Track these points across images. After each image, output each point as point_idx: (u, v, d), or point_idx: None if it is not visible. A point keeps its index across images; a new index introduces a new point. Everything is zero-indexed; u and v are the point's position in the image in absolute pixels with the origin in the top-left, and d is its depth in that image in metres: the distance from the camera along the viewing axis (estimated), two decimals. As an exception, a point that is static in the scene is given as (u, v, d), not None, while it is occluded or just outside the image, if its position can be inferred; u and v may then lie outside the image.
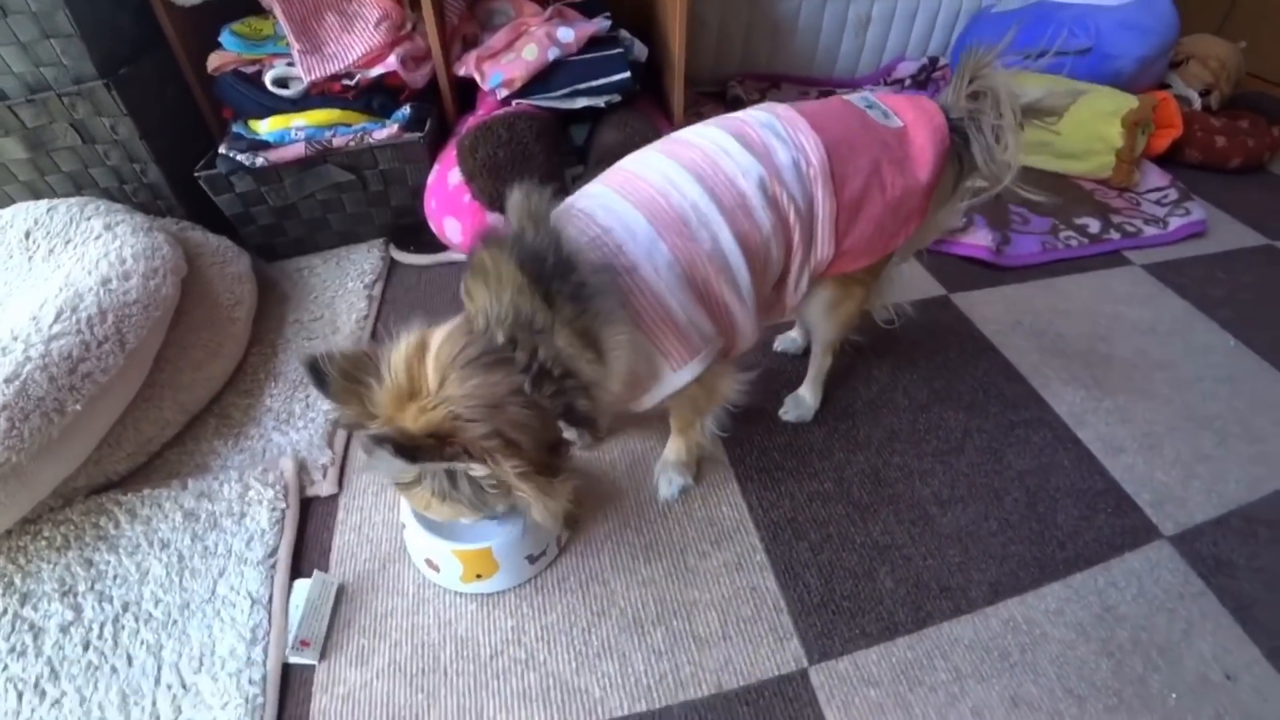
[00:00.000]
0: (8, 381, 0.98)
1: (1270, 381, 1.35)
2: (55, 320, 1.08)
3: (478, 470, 0.68)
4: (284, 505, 1.08)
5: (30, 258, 1.32)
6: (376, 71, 1.57)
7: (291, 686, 0.89)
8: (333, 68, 1.53)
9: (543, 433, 0.75)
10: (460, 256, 1.60)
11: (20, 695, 0.88)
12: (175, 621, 0.95)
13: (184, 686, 0.88)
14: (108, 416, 1.12)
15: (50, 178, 1.47)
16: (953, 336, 1.44)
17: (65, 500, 1.09)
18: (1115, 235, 1.74)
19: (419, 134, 1.56)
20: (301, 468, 1.14)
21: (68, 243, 1.32)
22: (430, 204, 1.57)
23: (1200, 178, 2.02)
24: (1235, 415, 1.27)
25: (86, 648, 0.92)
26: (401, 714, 0.86)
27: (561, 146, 1.60)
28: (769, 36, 2.32)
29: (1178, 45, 2.22)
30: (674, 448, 1.08)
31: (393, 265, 1.68)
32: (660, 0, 1.75)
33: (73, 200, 1.41)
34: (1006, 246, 1.67)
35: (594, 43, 1.64)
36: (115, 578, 1.00)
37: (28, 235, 1.34)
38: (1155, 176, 1.98)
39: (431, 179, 1.57)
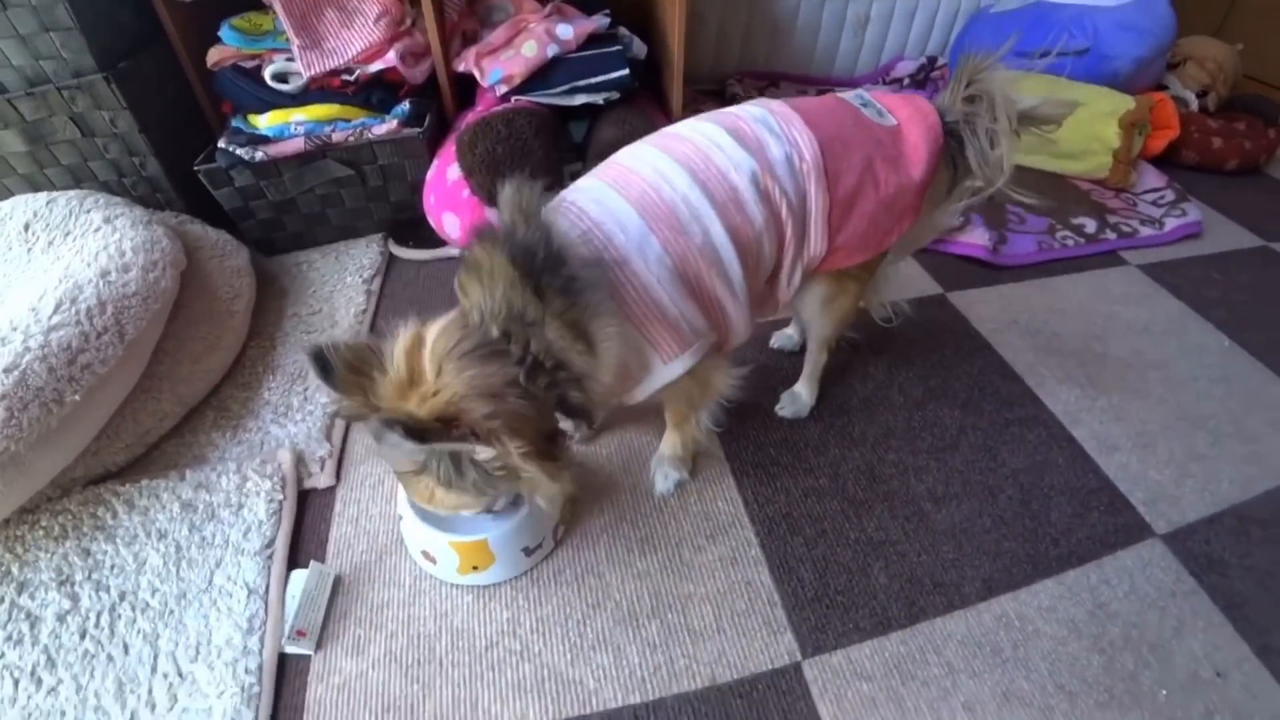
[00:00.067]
0: (7, 371, 0.98)
1: (1264, 382, 1.36)
2: (54, 311, 1.08)
3: (484, 453, 0.69)
4: (281, 497, 1.08)
5: (29, 250, 1.32)
6: (376, 67, 1.58)
7: (287, 676, 0.90)
8: (332, 63, 1.53)
9: (539, 422, 0.76)
10: (458, 252, 1.61)
11: (16, 683, 0.88)
12: (172, 611, 0.95)
13: (180, 675, 0.89)
14: (106, 407, 1.12)
15: (49, 171, 1.47)
16: (949, 335, 1.44)
17: (63, 490, 1.09)
18: (1111, 235, 1.75)
19: (418, 129, 1.57)
20: (299, 460, 1.15)
21: (67, 235, 1.32)
22: (429, 199, 1.57)
23: (1197, 179, 2.03)
24: (1229, 415, 1.27)
25: (83, 636, 0.92)
26: (397, 704, 0.86)
27: (560, 143, 1.60)
28: (768, 35, 2.33)
29: (1175, 47, 2.23)
30: (670, 442, 1.09)
31: (391, 260, 1.69)
32: (659, -2, 1.76)
33: (72, 193, 1.41)
34: (1003, 246, 1.67)
35: (593, 40, 1.64)
36: (112, 567, 1.00)
37: (27, 228, 1.34)
38: (1152, 177, 1.98)
39: (430, 174, 1.58)
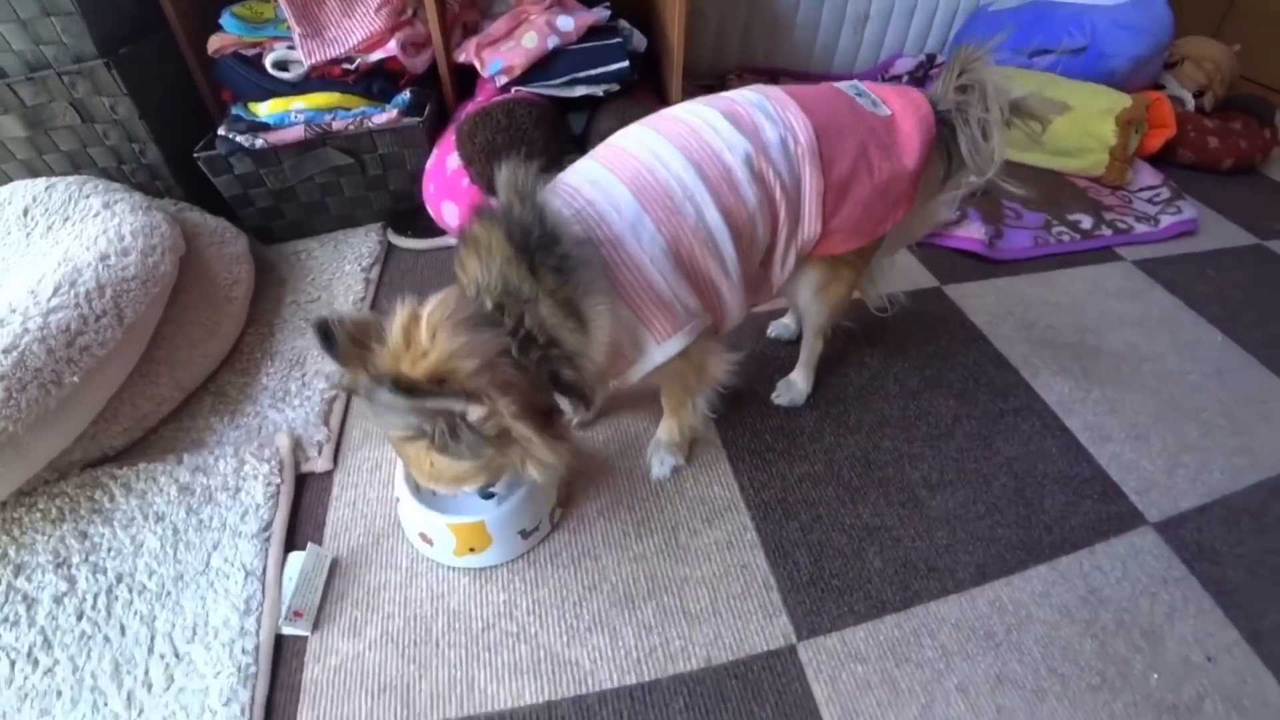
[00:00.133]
0: (5, 352, 0.98)
1: (1256, 376, 1.37)
2: (53, 294, 1.09)
3: (475, 412, 0.69)
4: (279, 480, 1.09)
5: (28, 235, 1.32)
6: (377, 56, 1.58)
7: (284, 656, 0.90)
8: (333, 52, 1.53)
9: (532, 394, 0.76)
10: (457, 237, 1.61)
11: (13, 664, 0.88)
12: (169, 593, 0.96)
13: (177, 656, 0.89)
14: (105, 390, 1.12)
15: (48, 156, 1.47)
16: (944, 326, 1.45)
17: (61, 473, 1.10)
18: (1107, 231, 1.76)
19: (418, 119, 1.57)
20: (297, 444, 1.15)
21: (66, 220, 1.32)
22: (429, 188, 1.57)
23: (1192, 178, 2.04)
24: (1221, 408, 1.28)
25: (80, 618, 0.93)
26: (393, 684, 0.87)
27: (560, 134, 1.61)
28: (767, 31, 2.34)
29: (1172, 46, 2.24)
30: (666, 428, 1.10)
31: (390, 249, 1.69)
32: (660, -9, 1.76)
33: (71, 178, 1.41)
34: (999, 240, 1.68)
35: (593, 32, 1.65)
36: (109, 550, 1.00)
37: (26, 212, 1.35)
38: (1148, 175, 2.00)
39: (430, 164, 1.58)
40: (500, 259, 0.73)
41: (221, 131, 1.51)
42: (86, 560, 0.99)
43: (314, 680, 0.87)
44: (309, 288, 1.53)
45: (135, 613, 0.93)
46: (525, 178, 0.75)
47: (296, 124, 1.50)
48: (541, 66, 1.60)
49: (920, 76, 2.39)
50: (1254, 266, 1.72)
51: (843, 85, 1.00)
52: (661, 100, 1.91)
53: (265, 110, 1.53)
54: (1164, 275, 1.64)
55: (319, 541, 1.03)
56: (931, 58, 2.42)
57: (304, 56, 1.51)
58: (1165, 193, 1.92)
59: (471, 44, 1.64)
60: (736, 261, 0.88)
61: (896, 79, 2.41)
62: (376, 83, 1.59)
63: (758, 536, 1.03)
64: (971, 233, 1.66)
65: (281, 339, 1.39)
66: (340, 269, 1.58)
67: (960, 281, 1.58)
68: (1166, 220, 1.80)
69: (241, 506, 1.05)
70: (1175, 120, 2.04)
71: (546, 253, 0.72)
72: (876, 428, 1.21)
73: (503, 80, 1.60)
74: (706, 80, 2.42)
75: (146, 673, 0.87)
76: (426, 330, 0.72)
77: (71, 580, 0.97)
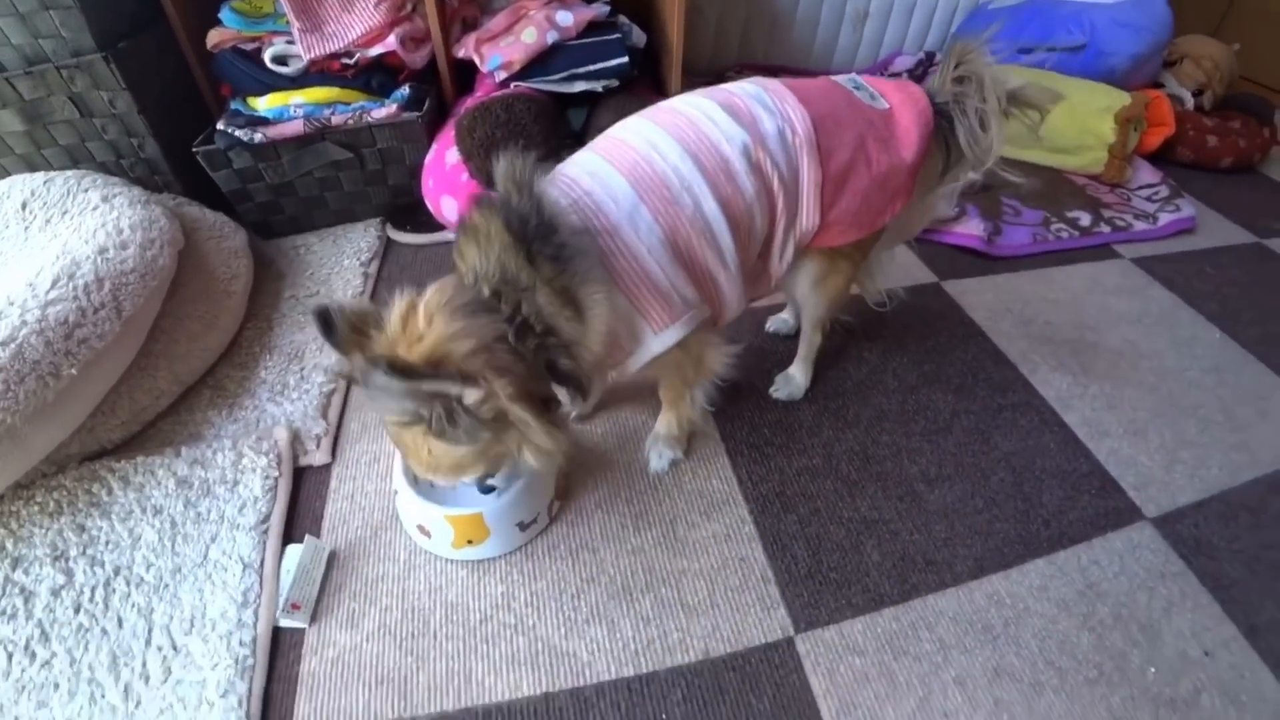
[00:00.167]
0: (3, 344, 0.98)
1: (1254, 373, 1.37)
2: (52, 286, 1.09)
3: (471, 394, 0.69)
4: (277, 473, 1.09)
5: (27, 228, 1.32)
6: (376, 51, 1.58)
7: (282, 648, 0.90)
8: (332, 46, 1.53)
9: (529, 381, 0.76)
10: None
11: (10, 656, 0.88)
12: (167, 585, 0.96)
13: (174, 648, 0.89)
14: (103, 383, 1.12)
15: (47, 151, 1.47)
16: (943, 322, 1.45)
17: (59, 467, 1.09)
18: (1105, 229, 1.76)
19: (417, 113, 1.57)
20: (295, 437, 1.15)
21: (64, 214, 1.32)
22: (427, 183, 1.57)
23: (1191, 176, 2.04)
24: (1219, 404, 1.28)
25: (77, 610, 0.93)
26: (390, 676, 0.87)
27: (559, 130, 1.61)
28: (766, 28, 2.34)
29: (1172, 45, 2.24)
30: (665, 421, 1.10)
31: (389, 244, 1.69)
32: (659, -13, 1.76)
33: (70, 173, 1.41)
34: (998, 237, 1.68)
35: (593, 27, 1.65)
36: (107, 543, 1.00)
37: (24, 206, 1.34)
38: (1147, 173, 2.00)
39: (429, 158, 1.58)
40: (498, 247, 0.73)
41: (220, 126, 1.51)
42: (84, 553, 0.99)
43: (311, 672, 0.87)
44: (308, 282, 1.53)
45: (133, 605, 0.93)
46: (523, 168, 0.75)
47: (295, 118, 1.50)
48: (541, 62, 1.60)
49: (919, 75, 2.39)
50: (1252, 265, 1.72)
51: (841, 79, 1.00)
52: (661, 97, 1.90)
53: (264, 105, 1.53)
54: (1162, 273, 1.64)
55: (317, 534, 1.03)
56: (931, 55, 2.42)
57: (303, 51, 1.51)
58: (1164, 191, 1.92)
59: (471, 39, 1.64)
60: (734, 252, 0.88)
61: (896, 77, 2.41)
62: (376, 78, 1.60)
63: (756, 530, 1.03)
64: (970, 229, 1.66)
65: (280, 333, 1.38)
66: (339, 264, 1.58)
67: (959, 278, 1.58)
68: (1165, 218, 1.80)
69: (239, 499, 1.05)
70: (1174, 119, 2.04)
71: (544, 241, 0.72)
72: (875, 422, 1.21)
73: (502, 75, 1.60)
74: (706, 77, 2.41)
75: (144, 665, 0.87)
76: (423, 316, 0.72)
77: (69, 573, 0.97)
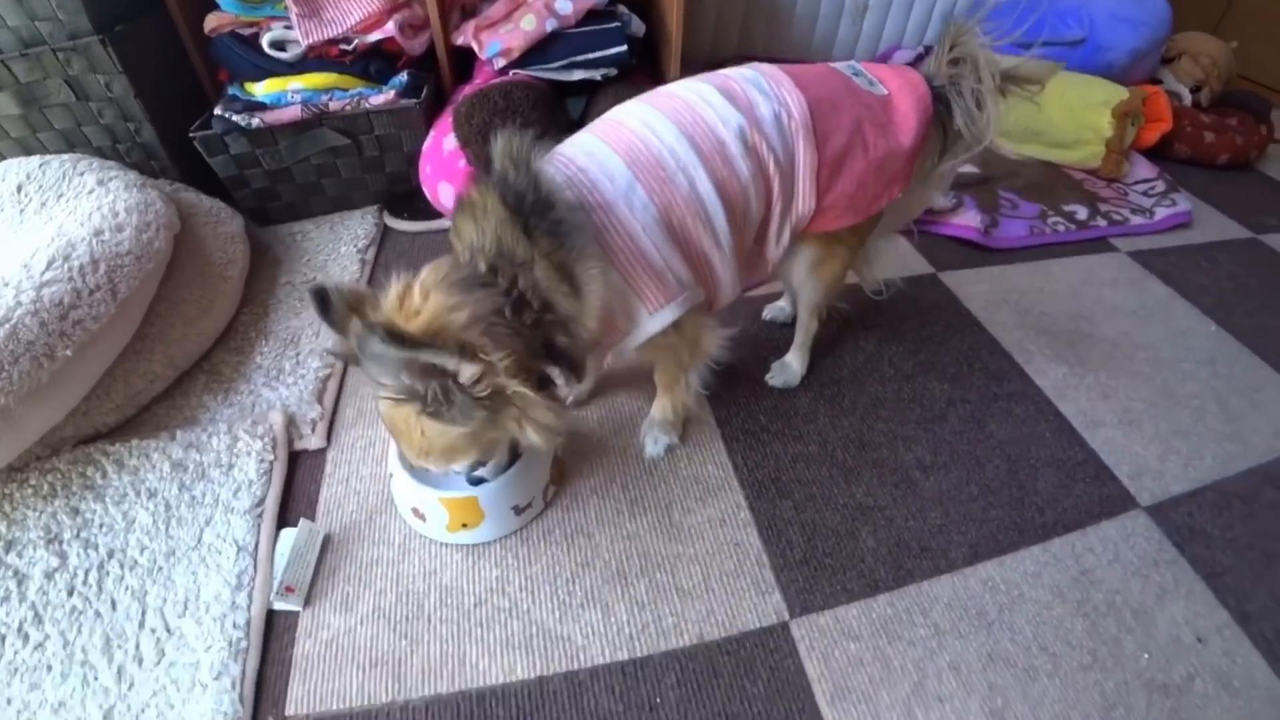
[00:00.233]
0: (-2, 325, 0.98)
1: (1248, 365, 1.37)
2: (47, 268, 1.08)
3: (468, 371, 0.69)
4: (272, 457, 1.08)
5: (21, 211, 1.31)
6: (374, 37, 1.57)
7: (275, 631, 0.90)
8: (330, 32, 1.53)
9: (526, 357, 0.76)
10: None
11: (3, 639, 0.88)
12: (160, 568, 0.95)
13: (168, 630, 0.89)
14: (98, 365, 1.12)
15: (42, 135, 1.46)
16: (939, 312, 1.45)
17: (53, 450, 1.09)
18: (1102, 223, 1.77)
19: (415, 100, 1.57)
20: (290, 422, 1.15)
21: (60, 197, 1.32)
22: (425, 169, 1.57)
23: (1188, 172, 2.05)
24: (1213, 395, 1.29)
25: (71, 593, 0.92)
26: (384, 659, 0.87)
27: (557, 117, 1.60)
28: (766, 20, 2.33)
29: (1171, 42, 2.25)
30: (660, 407, 1.10)
31: (386, 231, 1.69)
32: (659, -23, 1.76)
33: (66, 156, 1.41)
34: (995, 229, 1.69)
35: (592, 16, 1.64)
36: (101, 526, 1.00)
37: (19, 189, 1.34)
38: (1144, 168, 2.00)
39: (427, 145, 1.58)
40: (495, 221, 0.73)
41: (218, 111, 1.50)
42: (78, 536, 0.99)
43: (305, 655, 0.87)
44: (304, 269, 1.53)
45: (126, 588, 0.93)
46: (521, 145, 0.75)
47: (293, 104, 1.50)
48: (539, 49, 1.60)
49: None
50: (1248, 259, 1.72)
51: (840, 65, 1.00)
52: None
53: (262, 90, 1.52)
54: (1158, 266, 1.65)
55: (311, 518, 1.02)
56: (930, 50, 2.42)
57: (301, 36, 1.51)
58: (1160, 186, 1.93)
59: (470, 26, 1.64)
60: (729, 234, 0.88)
61: (895, 70, 2.41)
62: (374, 64, 1.59)
63: (751, 515, 1.04)
64: (967, 221, 1.66)
65: (276, 318, 1.38)
66: (336, 250, 1.57)
67: (956, 269, 1.58)
68: (1161, 213, 1.81)
69: (234, 483, 1.05)
70: (1172, 115, 2.04)
71: (540, 216, 0.72)
72: (870, 410, 1.22)
73: (500, 63, 1.60)
74: (704, 68, 2.41)
75: (137, 647, 0.87)
76: (419, 293, 0.72)
77: (63, 556, 0.96)
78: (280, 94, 1.51)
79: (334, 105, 1.51)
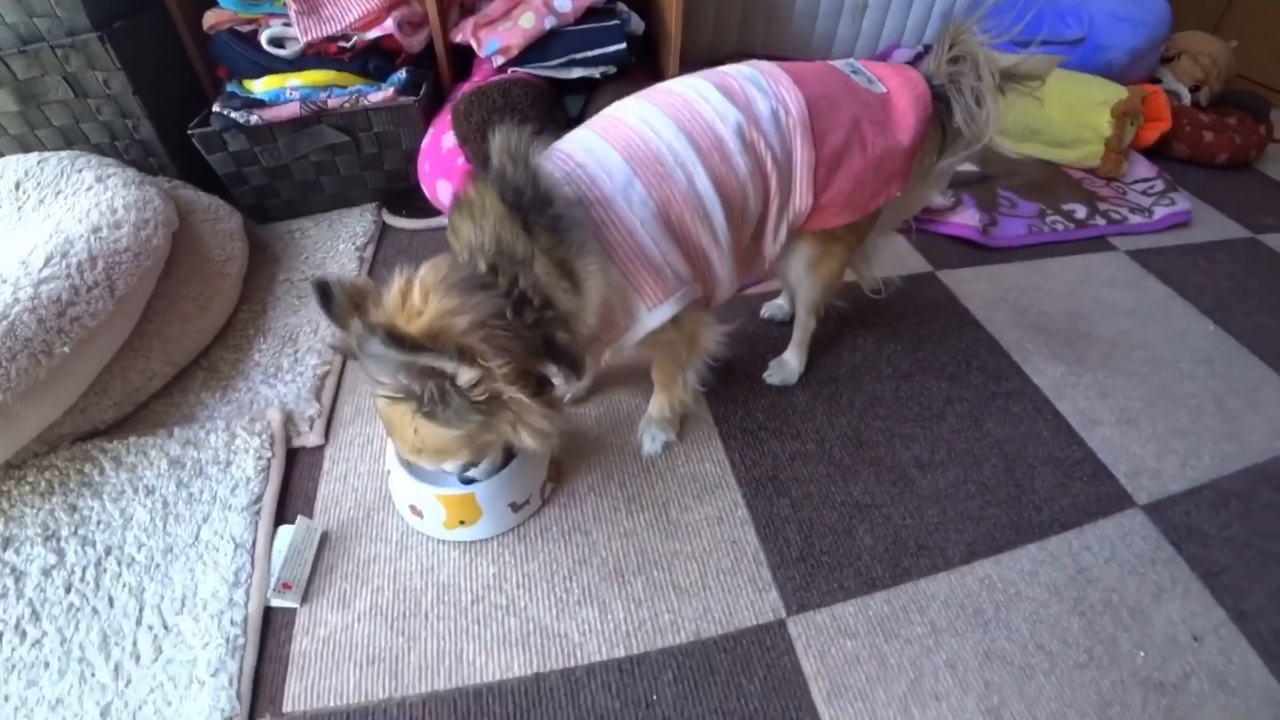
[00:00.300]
0: (-5, 321, 0.98)
1: (1246, 365, 1.37)
2: (45, 265, 1.08)
3: (466, 375, 0.69)
4: (270, 454, 1.08)
5: (20, 208, 1.31)
6: (373, 34, 1.57)
7: (273, 628, 0.90)
8: (329, 29, 1.52)
9: (525, 359, 0.76)
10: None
11: (0, 635, 0.88)
12: (158, 565, 0.95)
13: (165, 627, 0.89)
14: (96, 362, 1.12)
15: (40, 132, 1.46)
16: (937, 310, 1.45)
17: (50, 446, 1.09)
18: (1101, 222, 1.77)
19: (414, 98, 1.57)
20: (288, 419, 1.15)
21: (58, 194, 1.32)
22: (424, 167, 1.57)
23: (1187, 171, 2.05)
24: (1211, 395, 1.29)
25: (68, 590, 0.92)
26: (381, 656, 0.87)
27: (556, 115, 1.60)
28: (765, 18, 2.33)
29: (1170, 41, 2.25)
30: (658, 404, 1.10)
31: (385, 229, 1.69)
32: (658, -25, 1.76)
33: (64, 153, 1.40)
34: (993, 228, 1.69)
35: (591, 13, 1.64)
36: (99, 523, 1.00)
37: (18, 186, 1.34)
38: (1143, 168, 2.00)
39: (426, 142, 1.57)
40: (493, 219, 0.73)
41: (216, 108, 1.50)
42: (75, 533, 0.99)
43: (302, 652, 0.87)
44: (303, 266, 1.53)
45: (124, 585, 0.93)
46: (519, 141, 0.75)
47: (292, 101, 1.50)
48: (538, 47, 1.60)
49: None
50: (1246, 259, 1.72)
51: (839, 63, 1.00)
52: (659, 85, 1.91)
53: (260, 87, 1.52)
54: (1157, 265, 1.65)
55: (309, 515, 1.02)
56: (929, 49, 2.42)
57: (300, 33, 1.51)
58: (1159, 185, 1.93)
59: (469, 24, 1.64)
60: (727, 230, 0.88)
61: (894, 69, 2.41)
62: (373, 61, 1.59)
63: (748, 513, 1.04)
64: (966, 219, 1.66)
65: (274, 316, 1.38)
66: (334, 248, 1.57)
67: (954, 268, 1.58)
68: (1160, 212, 1.81)
69: (232, 480, 1.05)
70: (1171, 114, 2.04)
71: (539, 213, 0.72)
72: (868, 408, 1.22)
73: (499, 60, 1.60)
74: (703, 66, 2.41)
75: (134, 644, 0.87)
76: (419, 293, 0.72)
77: (60, 553, 0.96)
78: (279, 91, 1.51)
79: (333, 102, 1.51)
